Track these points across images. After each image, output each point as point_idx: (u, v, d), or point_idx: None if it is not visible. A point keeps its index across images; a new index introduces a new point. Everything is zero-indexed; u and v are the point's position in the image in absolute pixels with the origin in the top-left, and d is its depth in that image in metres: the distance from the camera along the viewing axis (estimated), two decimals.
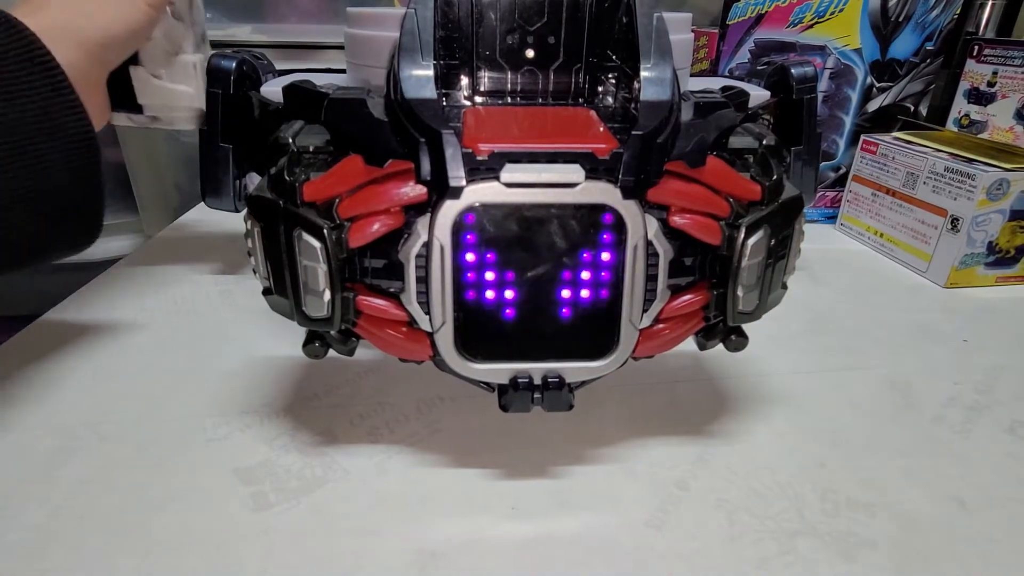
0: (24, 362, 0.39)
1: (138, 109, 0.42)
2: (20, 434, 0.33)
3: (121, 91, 0.40)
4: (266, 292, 0.27)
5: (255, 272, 0.27)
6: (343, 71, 0.36)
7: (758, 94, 0.38)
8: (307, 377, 0.38)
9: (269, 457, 0.31)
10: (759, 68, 0.46)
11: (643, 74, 0.25)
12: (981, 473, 0.32)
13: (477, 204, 0.23)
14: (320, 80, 0.30)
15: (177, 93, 0.41)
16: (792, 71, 0.42)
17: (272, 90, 0.30)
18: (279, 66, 0.45)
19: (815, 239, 0.60)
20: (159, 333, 0.42)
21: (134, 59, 0.40)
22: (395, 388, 0.37)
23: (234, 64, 0.40)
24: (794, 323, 0.45)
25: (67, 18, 0.28)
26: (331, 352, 0.28)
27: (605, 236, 0.24)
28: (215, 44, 0.44)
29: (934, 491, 0.30)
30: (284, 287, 0.25)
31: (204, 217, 0.62)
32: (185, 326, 0.43)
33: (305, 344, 0.27)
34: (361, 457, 0.32)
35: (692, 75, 0.47)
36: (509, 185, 0.23)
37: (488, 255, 0.24)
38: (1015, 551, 0.27)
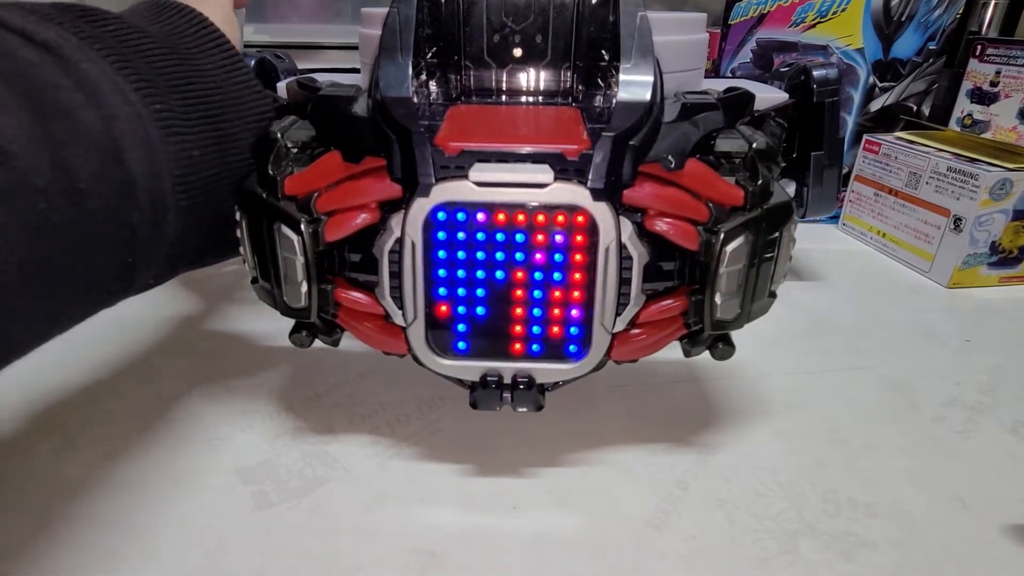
0: (24, 362, 0.39)
1: None
2: (20, 434, 0.33)
3: None
4: (253, 281, 0.28)
5: (245, 262, 0.28)
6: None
7: (771, 96, 0.38)
8: (308, 377, 0.38)
9: (270, 456, 0.31)
10: (782, 69, 0.45)
11: (621, 75, 0.25)
12: (982, 473, 0.32)
13: (446, 202, 0.23)
14: (328, 79, 0.30)
15: None
16: (814, 73, 0.41)
17: (284, 88, 0.31)
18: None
19: (817, 239, 0.60)
20: (160, 332, 0.42)
21: None
22: (396, 388, 0.37)
23: (253, 63, 0.40)
24: (796, 323, 0.45)
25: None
26: (332, 351, 0.29)
27: (576, 238, 0.24)
28: None
29: (935, 491, 0.30)
30: (267, 277, 0.26)
31: None
32: (186, 326, 0.43)
33: (292, 333, 0.28)
34: (362, 456, 0.32)
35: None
36: (478, 184, 0.23)
37: (458, 253, 0.24)
38: (1016, 552, 0.27)
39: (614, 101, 0.24)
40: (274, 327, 0.43)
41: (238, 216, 0.26)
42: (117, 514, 0.28)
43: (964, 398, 0.37)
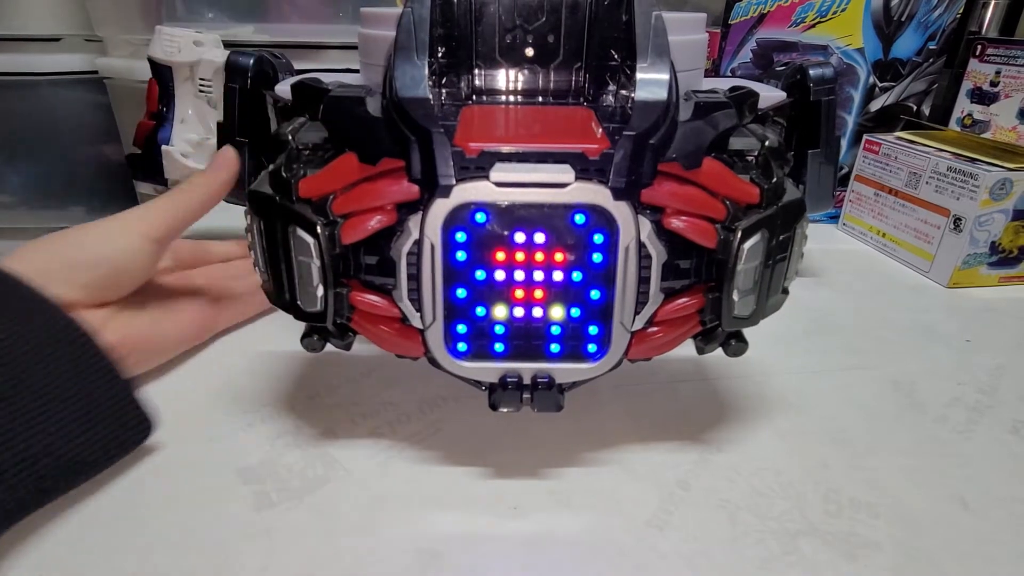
0: None
1: (163, 182, 0.44)
2: None
3: (151, 166, 0.43)
4: (265, 285, 0.27)
5: (256, 266, 0.27)
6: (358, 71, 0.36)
7: (771, 94, 0.38)
8: (309, 376, 0.38)
9: (271, 456, 0.31)
10: (778, 69, 0.46)
11: (639, 74, 0.24)
12: (984, 473, 0.32)
13: (466, 203, 0.23)
14: (331, 79, 0.30)
15: None
16: (810, 72, 0.42)
17: (284, 88, 0.30)
18: None
19: (817, 239, 0.60)
20: None
21: (167, 139, 0.43)
22: (397, 388, 0.37)
23: (252, 61, 0.40)
24: (797, 323, 0.45)
25: (62, 258, 0.28)
26: (334, 350, 0.28)
27: (596, 237, 0.24)
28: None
29: (937, 491, 0.30)
30: (281, 281, 0.26)
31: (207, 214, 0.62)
32: None
33: (303, 337, 0.28)
34: (363, 456, 0.32)
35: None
36: (499, 184, 0.23)
37: (478, 254, 0.24)
38: (1018, 551, 0.27)
39: (632, 100, 0.24)
40: (275, 327, 0.43)
41: (248, 220, 0.26)
42: (115, 513, 0.28)
43: (965, 398, 0.37)
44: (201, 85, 0.43)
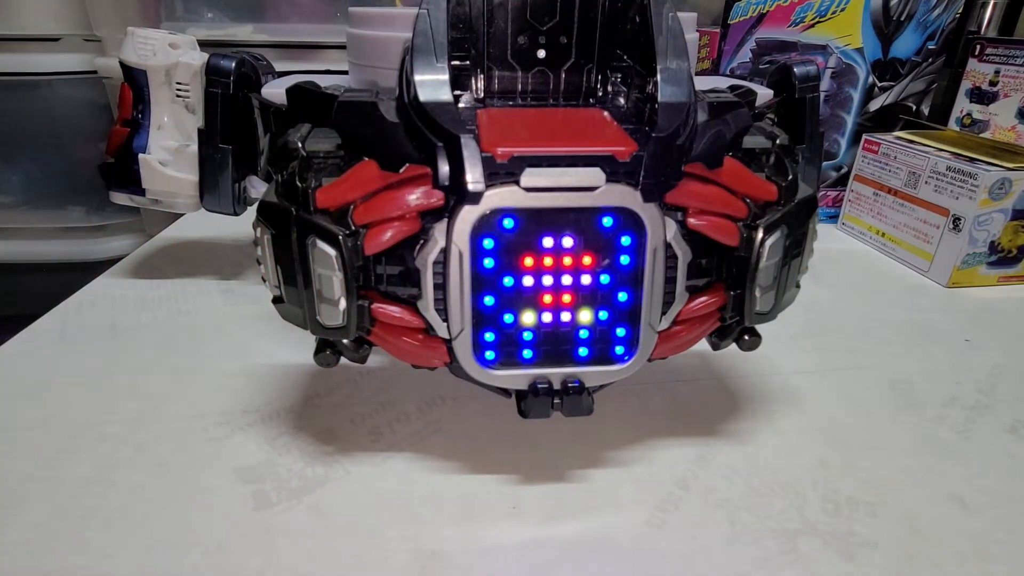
0: (24, 362, 0.39)
1: (141, 191, 0.43)
2: (20, 434, 0.33)
3: (127, 174, 0.42)
4: (276, 300, 0.27)
5: (264, 280, 0.27)
6: (344, 72, 0.36)
7: (763, 93, 0.38)
8: (308, 376, 0.38)
9: (270, 456, 0.31)
10: (762, 67, 0.46)
11: (660, 75, 0.24)
12: (982, 473, 0.32)
13: (496, 209, 0.23)
14: (322, 82, 0.30)
15: (181, 181, 0.43)
16: (795, 70, 0.42)
17: (273, 91, 0.30)
18: (281, 66, 0.45)
19: (817, 239, 0.60)
20: (160, 333, 0.42)
21: (143, 147, 0.42)
22: (396, 388, 0.37)
23: (233, 64, 0.39)
24: (795, 323, 0.45)
25: None
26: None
27: (624, 239, 0.24)
28: (217, 44, 0.44)
29: (935, 491, 0.30)
30: (297, 296, 0.25)
31: (205, 217, 0.62)
32: (186, 326, 0.43)
33: (317, 353, 0.27)
34: (362, 456, 0.32)
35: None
36: (529, 189, 0.22)
37: (506, 260, 0.24)
38: (1016, 551, 0.27)
39: (656, 102, 0.24)
40: (274, 329, 0.43)
41: (258, 232, 0.25)
42: (115, 513, 0.28)
43: (963, 398, 0.37)
44: (178, 89, 0.43)
